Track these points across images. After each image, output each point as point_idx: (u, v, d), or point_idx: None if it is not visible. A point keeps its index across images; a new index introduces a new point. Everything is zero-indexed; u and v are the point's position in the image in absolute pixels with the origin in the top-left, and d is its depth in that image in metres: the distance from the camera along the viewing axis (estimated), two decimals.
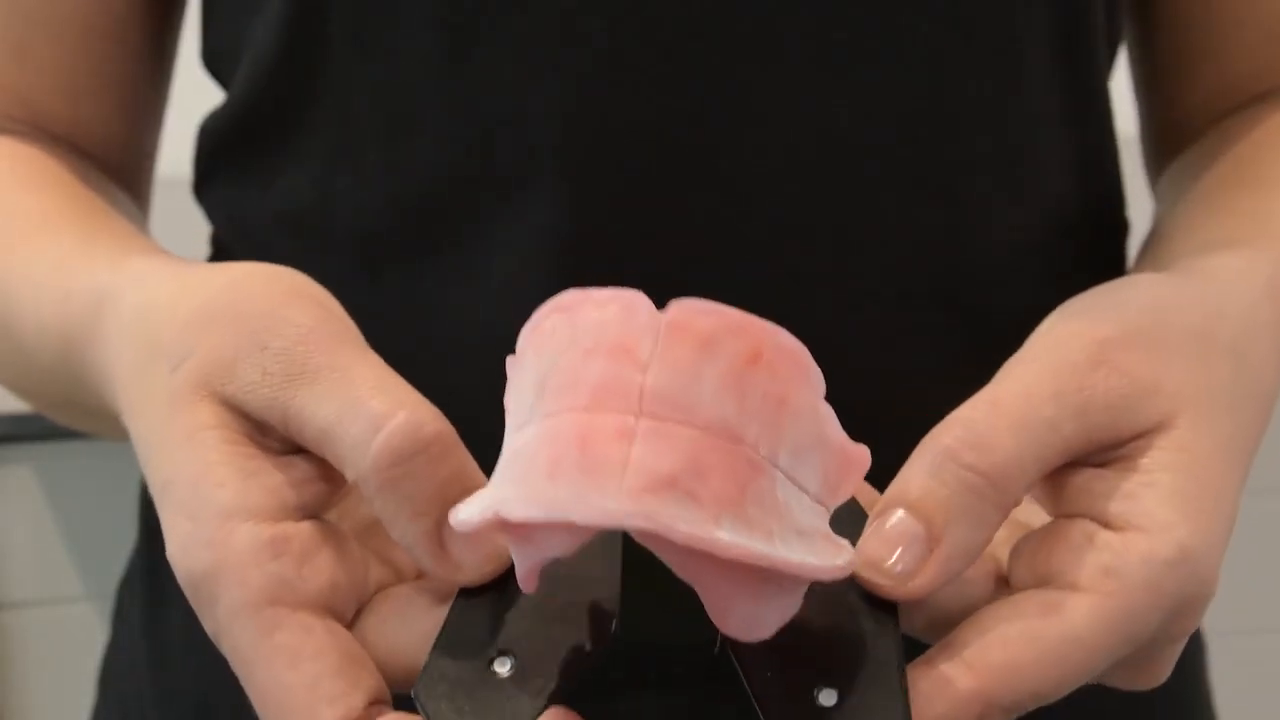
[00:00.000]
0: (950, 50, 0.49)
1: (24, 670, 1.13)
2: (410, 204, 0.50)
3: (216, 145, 0.56)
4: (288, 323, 0.38)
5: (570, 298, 0.34)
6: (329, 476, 0.38)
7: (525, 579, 0.34)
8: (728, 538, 0.31)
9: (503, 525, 0.32)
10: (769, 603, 0.33)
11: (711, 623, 0.33)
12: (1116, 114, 0.57)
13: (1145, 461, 0.37)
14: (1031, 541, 0.38)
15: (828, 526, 0.35)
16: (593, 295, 0.34)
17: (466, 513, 0.33)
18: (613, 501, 0.30)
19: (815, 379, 0.34)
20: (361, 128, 0.51)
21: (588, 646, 0.36)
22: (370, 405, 0.36)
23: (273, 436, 0.38)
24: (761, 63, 0.48)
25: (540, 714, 0.34)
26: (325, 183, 0.52)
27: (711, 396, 0.32)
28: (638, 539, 0.31)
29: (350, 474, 0.37)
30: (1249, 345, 0.42)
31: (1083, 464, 0.38)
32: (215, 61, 0.58)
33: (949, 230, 0.50)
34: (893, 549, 0.36)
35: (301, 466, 0.38)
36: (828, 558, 0.34)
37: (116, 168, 0.59)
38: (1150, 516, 0.36)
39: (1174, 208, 0.56)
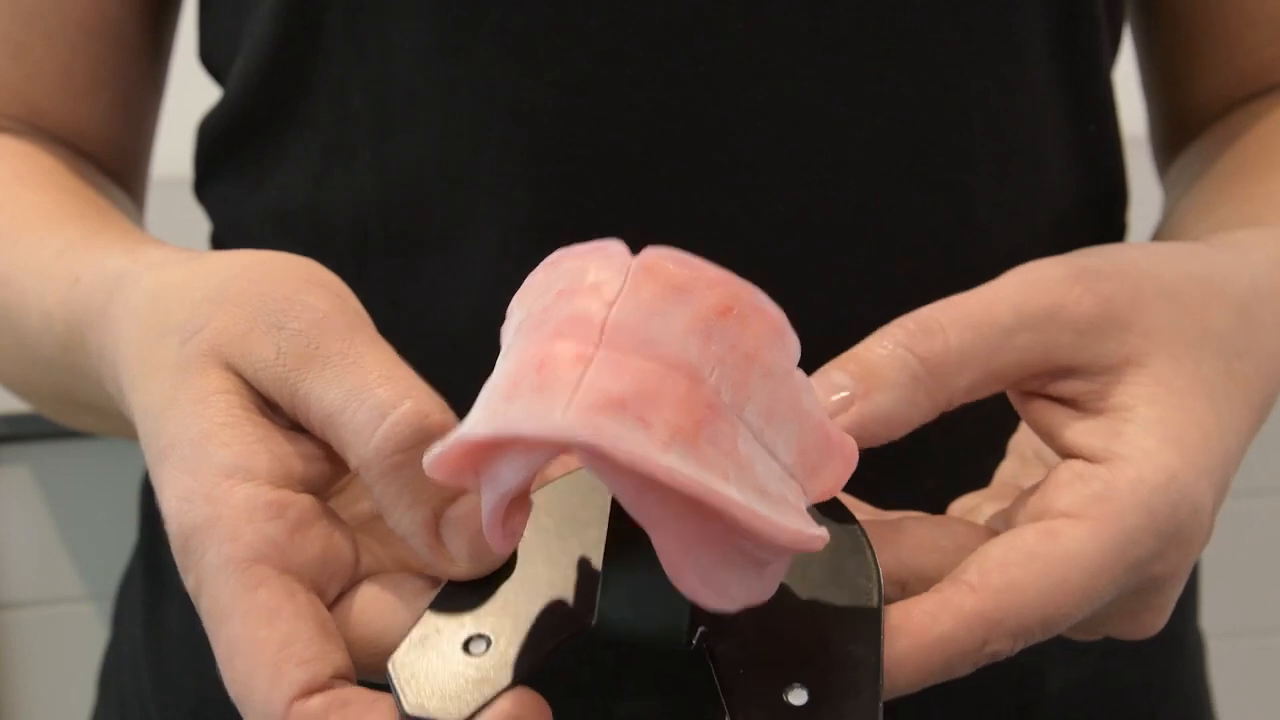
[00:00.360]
0: (949, 45, 0.49)
1: (24, 670, 1.13)
2: (400, 200, 0.50)
3: (214, 143, 0.56)
4: (306, 306, 0.39)
5: (555, 254, 0.35)
6: (332, 459, 0.39)
7: (491, 527, 0.34)
8: (675, 464, 0.31)
9: (465, 453, 0.33)
10: (731, 566, 0.33)
11: (688, 611, 0.34)
12: (1120, 112, 0.57)
13: (1121, 398, 0.38)
14: (1024, 495, 0.39)
15: (801, 503, 0.35)
16: (574, 249, 0.35)
17: (437, 448, 0.33)
18: (561, 416, 0.31)
19: (791, 345, 0.34)
20: (354, 124, 0.51)
21: (565, 632, 0.37)
22: (378, 392, 0.37)
23: (279, 414, 0.39)
24: (759, 58, 0.48)
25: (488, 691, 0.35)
26: (319, 180, 0.52)
27: (675, 336, 0.32)
28: (584, 462, 0.31)
29: (353, 460, 0.37)
30: (1260, 305, 0.42)
31: (1058, 402, 0.39)
32: (212, 59, 0.58)
33: (948, 225, 0.50)
34: (824, 395, 0.38)
35: (307, 444, 0.38)
36: (796, 522, 0.33)
37: (113, 166, 0.60)
38: (1135, 445, 0.37)
39: (1185, 196, 0.56)
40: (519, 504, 0.35)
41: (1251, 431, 0.41)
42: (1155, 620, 0.40)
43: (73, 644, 1.13)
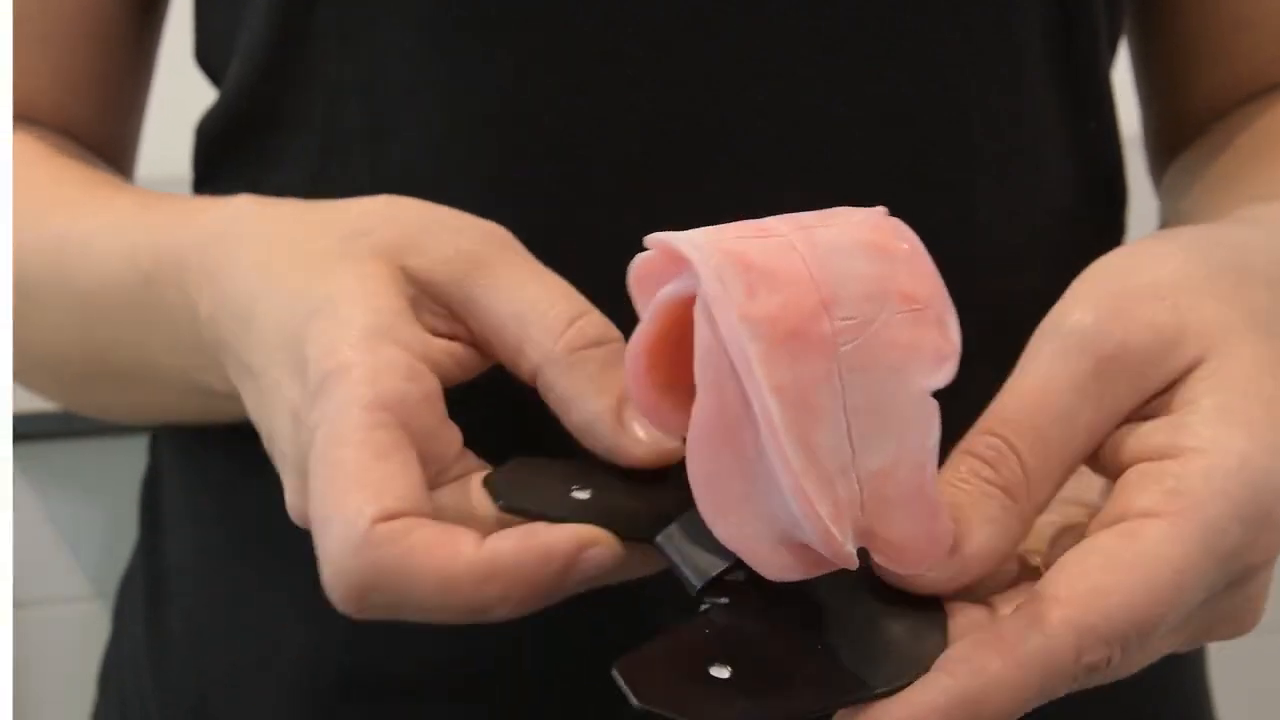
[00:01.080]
0: (949, 45, 0.50)
1: (24, 669, 1.13)
2: None
3: (211, 143, 0.56)
4: (477, 221, 0.42)
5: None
6: (465, 367, 0.41)
7: (633, 359, 0.36)
8: (739, 334, 0.32)
9: (662, 252, 0.36)
10: (744, 505, 0.34)
11: (719, 571, 0.35)
12: (1119, 112, 0.57)
13: (1183, 395, 0.37)
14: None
15: (847, 518, 0.34)
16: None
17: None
18: (702, 239, 0.34)
19: (940, 376, 0.34)
20: (350, 124, 0.51)
21: (646, 509, 0.38)
22: (566, 300, 0.41)
23: (434, 314, 0.41)
24: (759, 58, 0.48)
25: (586, 517, 0.37)
26: (316, 180, 0.52)
27: (843, 274, 0.34)
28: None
29: (536, 355, 0.40)
30: None
31: (1125, 421, 0.38)
32: (208, 59, 0.58)
33: (948, 224, 0.50)
34: None
35: (447, 344, 0.41)
36: (826, 508, 0.33)
37: (104, 162, 0.60)
38: (1201, 436, 0.36)
39: (1186, 196, 0.56)
40: (656, 355, 0.37)
41: None
42: (1253, 615, 0.39)
43: (73, 642, 1.13)
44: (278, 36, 0.51)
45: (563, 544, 0.35)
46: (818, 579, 0.36)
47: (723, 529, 0.35)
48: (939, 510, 0.35)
